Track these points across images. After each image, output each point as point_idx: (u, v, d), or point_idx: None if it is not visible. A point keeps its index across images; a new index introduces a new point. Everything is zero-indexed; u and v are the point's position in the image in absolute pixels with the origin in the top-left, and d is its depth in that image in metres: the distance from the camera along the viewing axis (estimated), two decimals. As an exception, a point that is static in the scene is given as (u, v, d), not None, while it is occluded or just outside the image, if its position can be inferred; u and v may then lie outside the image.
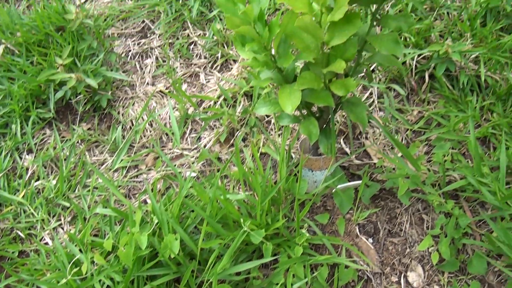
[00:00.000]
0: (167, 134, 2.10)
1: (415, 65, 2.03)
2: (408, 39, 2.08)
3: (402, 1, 2.21)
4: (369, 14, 1.32)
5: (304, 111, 1.51)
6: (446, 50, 1.93)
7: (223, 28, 2.30)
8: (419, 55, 2.05)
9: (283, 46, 1.30)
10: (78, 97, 2.24)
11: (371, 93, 2.05)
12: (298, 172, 1.60)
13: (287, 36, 1.26)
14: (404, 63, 2.06)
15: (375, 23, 1.31)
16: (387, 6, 2.24)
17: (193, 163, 1.96)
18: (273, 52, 1.29)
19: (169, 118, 2.12)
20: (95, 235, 1.80)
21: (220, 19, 2.35)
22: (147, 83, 2.28)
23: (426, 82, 2.00)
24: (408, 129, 1.95)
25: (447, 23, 2.19)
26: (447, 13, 2.25)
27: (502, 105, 1.93)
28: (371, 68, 2.13)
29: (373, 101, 2.03)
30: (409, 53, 2.03)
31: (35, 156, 2.14)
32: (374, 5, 1.28)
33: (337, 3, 1.11)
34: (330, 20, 1.13)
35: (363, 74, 2.11)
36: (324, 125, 1.55)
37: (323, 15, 1.15)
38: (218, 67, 2.26)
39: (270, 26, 1.21)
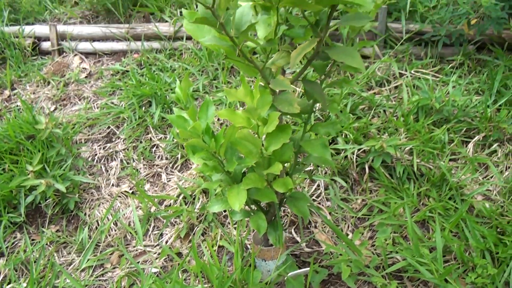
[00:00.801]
0: (131, 233, 2.23)
1: (356, 159, 2.27)
2: (348, 136, 2.33)
3: (339, 103, 2.49)
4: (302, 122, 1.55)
5: (253, 206, 1.69)
6: (381, 145, 2.17)
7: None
8: (358, 149, 2.29)
9: (229, 152, 1.50)
10: (47, 201, 2.37)
11: (318, 185, 2.26)
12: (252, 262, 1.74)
13: (232, 144, 1.46)
14: (346, 157, 2.29)
15: (307, 130, 1.54)
16: (327, 112, 2.50)
17: (155, 259, 2.08)
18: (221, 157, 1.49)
19: (133, 217, 2.25)
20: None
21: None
22: (112, 185, 2.44)
23: (367, 173, 2.23)
24: (353, 217, 2.14)
25: (383, 119, 2.47)
26: (384, 111, 2.53)
27: (437, 191, 2.15)
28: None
29: (320, 193, 2.23)
30: (349, 148, 2.27)
31: (6, 260, 2.22)
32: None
33: (270, 118, 1.33)
34: (265, 132, 1.34)
35: (311, 168, 2.32)
36: (273, 218, 1.72)
37: (259, 127, 1.36)
38: (179, 167, 2.45)
39: (216, 138, 1.41)
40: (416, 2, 2.90)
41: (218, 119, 2.55)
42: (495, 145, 2.28)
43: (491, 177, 2.17)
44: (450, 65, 2.78)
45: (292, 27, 1.34)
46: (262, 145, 1.42)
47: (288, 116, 1.53)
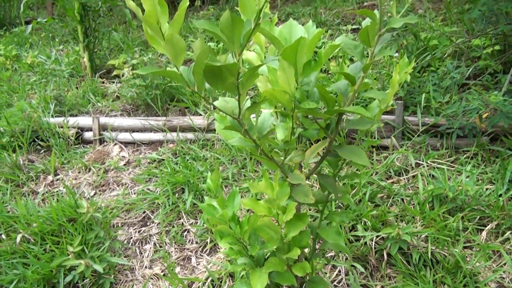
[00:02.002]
0: (161, 313, 2.36)
1: (374, 245, 2.39)
2: (367, 223, 2.47)
3: (360, 191, 2.65)
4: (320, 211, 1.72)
5: (275, 289, 1.82)
6: (398, 232, 2.30)
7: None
8: (377, 236, 2.41)
9: (253, 238, 1.67)
10: (84, 281, 2.54)
11: (339, 271, 2.37)
12: None
13: (255, 230, 1.63)
14: (365, 243, 2.41)
15: (324, 218, 1.70)
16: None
17: None
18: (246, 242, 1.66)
19: (164, 298, 2.39)
20: None
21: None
22: (145, 267, 2.60)
23: (385, 260, 2.34)
24: (372, 302, 2.23)
25: (401, 208, 2.60)
26: (401, 199, 2.68)
27: (452, 278, 2.23)
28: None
29: (341, 278, 2.34)
30: (368, 235, 2.40)
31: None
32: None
33: (288, 208, 1.51)
34: (284, 220, 1.52)
35: (332, 254, 2.45)
36: (293, 301, 1.84)
37: (279, 215, 1.54)
38: (208, 251, 2.61)
39: (241, 224, 1.59)
40: (430, 97, 3.12)
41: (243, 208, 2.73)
42: (508, 233, 2.38)
43: (504, 264, 2.25)
44: (465, 155, 2.93)
45: (306, 129, 1.55)
46: (282, 231, 1.58)
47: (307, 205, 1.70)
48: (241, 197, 2.82)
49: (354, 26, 4.64)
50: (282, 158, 1.57)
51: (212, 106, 3.63)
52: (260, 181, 1.54)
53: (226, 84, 1.10)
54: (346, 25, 4.81)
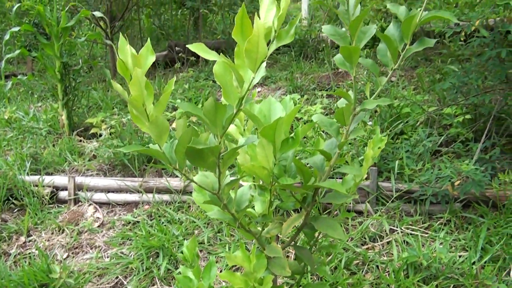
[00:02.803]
0: None
1: (350, 314, 2.38)
2: (342, 291, 2.47)
3: (335, 258, 2.66)
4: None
5: None
6: (373, 300, 2.30)
7: None
8: (353, 305, 2.41)
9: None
10: None
11: None
12: None
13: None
14: (341, 312, 2.41)
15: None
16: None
17: None
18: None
19: None
20: None
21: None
22: (117, 334, 2.53)
23: (361, 329, 2.33)
24: None
25: (376, 275, 2.62)
26: (376, 266, 2.70)
27: None
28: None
29: None
30: (344, 304, 2.40)
31: None
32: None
33: (265, 281, 1.51)
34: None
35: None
36: None
37: (256, 288, 1.54)
38: (182, 318, 2.56)
39: (217, 296, 1.59)
40: (404, 164, 3.21)
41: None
42: (481, 303, 2.41)
43: (479, 335, 2.27)
44: (439, 222, 2.99)
45: (284, 201, 1.58)
46: (258, 304, 1.58)
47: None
48: (216, 262, 2.81)
49: (329, 92, 4.79)
50: (260, 229, 1.59)
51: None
52: (237, 253, 1.55)
53: (207, 163, 1.14)
54: (321, 90, 4.96)
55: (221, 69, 1.10)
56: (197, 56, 6.70)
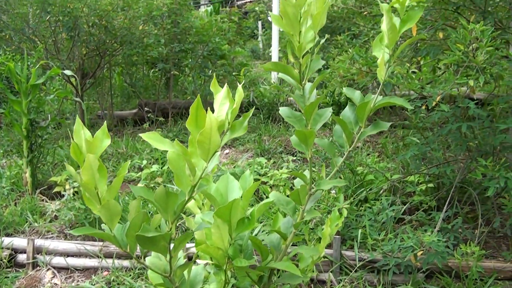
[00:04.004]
0: None
1: None
2: None
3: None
4: None
5: None
6: None
7: None
8: None
9: None
10: None
11: None
12: None
13: None
14: None
15: None
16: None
17: None
18: None
19: None
20: None
21: None
22: None
23: None
24: None
25: None
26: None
27: None
28: None
29: None
30: None
31: None
32: None
33: None
34: None
35: None
36: None
37: None
38: None
39: None
40: (367, 233, 3.23)
41: None
42: None
43: None
44: (401, 293, 2.98)
45: (239, 281, 1.56)
46: None
47: None
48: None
49: (294, 157, 4.85)
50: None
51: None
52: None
53: (158, 248, 1.13)
54: (288, 154, 5.02)
55: (175, 156, 1.12)
56: (166, 116, 6.74)
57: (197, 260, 1.52)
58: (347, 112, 1.60)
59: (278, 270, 2.00)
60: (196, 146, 1.07)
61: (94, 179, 1.07)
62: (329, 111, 1.51)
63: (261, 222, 3.32)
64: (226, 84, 1.12)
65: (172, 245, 1.18)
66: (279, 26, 1.33)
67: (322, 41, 1.39)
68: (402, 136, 4.80)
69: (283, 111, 1.51)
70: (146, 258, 1.29)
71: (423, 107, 3.49)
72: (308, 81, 1.46)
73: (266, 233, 3.18)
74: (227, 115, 1.10)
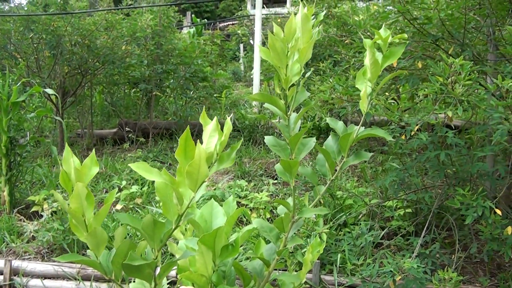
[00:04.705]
0: None
1: None
2: None
3: None
4: None
5: None
6: None
7: None
8: None
9: None
10: None
11: None
12: None
13: None
14: None
15: None
16: None
17: None
18: None
19: None
20: None
21: None
22: None
23: None
24: None
25: None
26: None
27: None
28: None
29: None
30: None
31: None
32: None
33: None
34: None
35: None
36: None
37: None
38: None
39: None
40: (346, 258, 3.26)
41: None
42: None
43: None
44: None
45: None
46: None
47: None
48: None
49: (275, 181, 4.88)
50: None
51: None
52: None
53: (143, 275, 1.14)
54: (268, 177, 5.05)
55: (163, 185, 1.14)
56: (147, 136, 6.73)
57: (180, 287, 1.53)
58: (330, 141, 1.64)
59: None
60: (184, 176, 1.10)
61: (82, 207, 1.08)
62: (312, 140, 1.55)
63: (241, 246, 3.32)
64: (215, 118, 1.16)
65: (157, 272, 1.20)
66: (267, 59, 1.38)
67: (308, 74, 1.44)
68: (381, 161, 4.88)
69: (268, 140, 1.54)
70: (130, 284, 1.29)
71: (402, 137, 3.56)
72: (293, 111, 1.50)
73: (247, 258, 3.19)
74: (216, 147, 1.13)
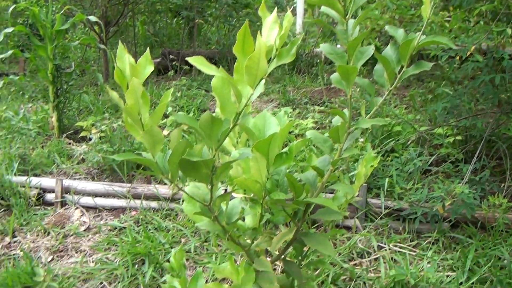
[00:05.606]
0: None
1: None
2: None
3: (322, 273, 2.65)
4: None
5: None
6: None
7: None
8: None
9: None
10: None
11: None
12: None
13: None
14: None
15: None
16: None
17: None
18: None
19: None
20: None
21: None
22: None
23: None
24: None
25: (362, 292, 2.61)
26: (364, 282, 2.69)
27: None
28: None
29: None
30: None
31: None
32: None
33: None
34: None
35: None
36: None
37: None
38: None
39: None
40: (393, 182, 3.22)
41: None
42: (466, 324, 2.41)
43: None
44: (427, 241, 2.99)
45: (274, 215, 1.58)
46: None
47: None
48: (202, 271, 2.78)
49: (321, 107, 4.81)
50: (249, 242, 1.58)
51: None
52: (225, 265, 1.54)
53: (200, 175, 1.13)
54: (313, 105, 4.97)
55: (219, 83, 1.10)
56: (191, 65, 6.69)
57: (232, 194, 1.53)
58: (388, 51, 1.55)
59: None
60: (241, 73, 1.06)
61: (138, 104, 1.06)
62: (371, 48, 1.47)
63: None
64: (275, 9, 1.09)
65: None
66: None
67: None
68: (430, 89, 4.72)
69: (324, 47, 1.47)
70: (186, 188, 1.29)
71: (457, 58, 3.40)
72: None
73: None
74: (275, 41, 1.08)
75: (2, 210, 3.62)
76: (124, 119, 1.11)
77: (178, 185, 1.15)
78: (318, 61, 6.12)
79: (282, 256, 1.63)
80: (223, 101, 1.10)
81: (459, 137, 3.70)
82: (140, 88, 1.04)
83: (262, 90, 1.07)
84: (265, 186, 1.36)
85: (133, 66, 1.06)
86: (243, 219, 1.62)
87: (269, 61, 1.08)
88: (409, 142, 3.82)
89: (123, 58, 1.08)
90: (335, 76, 1.46)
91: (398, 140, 3.74)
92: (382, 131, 3.85)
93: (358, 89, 4.96)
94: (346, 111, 1.48)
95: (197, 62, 1.03)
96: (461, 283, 2.60)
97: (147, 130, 1.07)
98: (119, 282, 2.79)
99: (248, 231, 1.52)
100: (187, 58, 1.03)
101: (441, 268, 2.77)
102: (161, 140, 1.10)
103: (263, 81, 1.07)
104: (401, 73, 1.50)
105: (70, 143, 4.64)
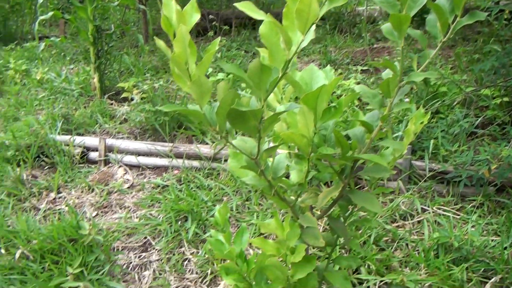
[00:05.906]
0: None
1: (377, 290, 2.37)
2: (370, 267, 2.45)
3: (365, 233, 2.64)
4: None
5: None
6: (402, 279, 2.28)
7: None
8: (381, 281, 2.39)
9: (259, 277, 1.65)
10: (81, 306, 2.50)
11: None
12: None
13: (262, 269, 1.62)
14: (368, 287, 2.39)
15: (331, 262, 1.69)
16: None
17: None
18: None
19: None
20: None
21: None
22: (143, 294, 2.58)
23: (387, 306, 2.31)
24: None
25: (405, 253, 2.59)
26: (406, 244, 2.66)
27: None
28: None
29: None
30: (371, 279, 2.38)
31: None
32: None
33: (297, 249, 1.50)
34: (292, 261, 1.51)
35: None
36: None
37: (287, 256, 1.53)
38: (207, 282, 2.58)
39: (248, 262, 1.58)
40: (438, 144, 3.13)
41: (251, 244, 2.71)
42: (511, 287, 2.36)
43: (507, 319, 2.23)
44: (471, 205, 2.92)
45: (320, 172, 1.55)
46: (289, 272, 1.57)
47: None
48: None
49: (363, 68, 4.69)
50: (294, 199, 1.57)
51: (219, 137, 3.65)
52: (270, 220, 1.54)
53: (248, 127, 1.12)
54: (355, 65, 4.86)
55: (268, 30, 1.07)
56: (230, 26, 6.62)
57: (278, 150, 1.51)
58: (441, 1, 1.48)
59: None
60: (290, 19, 1.02)
61: (185, 53, 1.04)
62: (424, -4, 1.40)
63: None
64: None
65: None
66: None
67: None
68: (476, 49, 4.53)
69: (374, -5, 1.41)
70: (233, 141, 1.28)
71: (506, 12, 3.23)
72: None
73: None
74: (328, -18, 1.03)
75: (46, 167, 3.73)
76: (171, 69, 1.09)
77: (226, 137, 1.14)
78: (361, 19, 5.94)
79: (328, 213, 1.62)
80: (272, 49, 1.07)
81: (506, 99, 3.55)
82: (187, 35, 1.02)
83: (313, 36, 1.03)
84: (312, 141, 1.33)
85: (180, 13, 1.03)
86: (288, 176, 1.61)
87: (321, 5, 1.04)
88: (455, 103, 3.70)
89: (170, 6, 1.05)
90: (386, 26, 1.40)
91: (443, 101, 3.63)
92: (427, 92, 3.74)
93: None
94: (397, 63, 1.43)
95: (246, 7, 0.99)
96: (505, 248, 2.54)
97: (194, 80, 1.06)
98: (162, 237, 2.85)
99: (293, 187, 1.50)
100: (235, 4, 0.99)
101: (485, 232, 2.71)
102: (209, 91, 1.08)
103: (314, 27, 1.03)
104: (455, 23, 1.43)
105: (112, 104, 4.70)
